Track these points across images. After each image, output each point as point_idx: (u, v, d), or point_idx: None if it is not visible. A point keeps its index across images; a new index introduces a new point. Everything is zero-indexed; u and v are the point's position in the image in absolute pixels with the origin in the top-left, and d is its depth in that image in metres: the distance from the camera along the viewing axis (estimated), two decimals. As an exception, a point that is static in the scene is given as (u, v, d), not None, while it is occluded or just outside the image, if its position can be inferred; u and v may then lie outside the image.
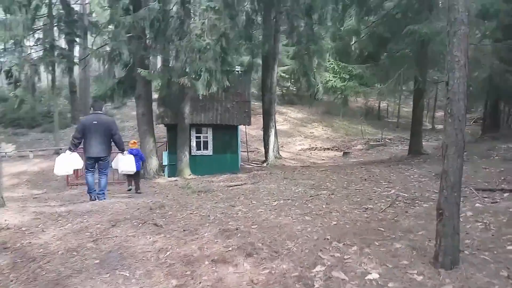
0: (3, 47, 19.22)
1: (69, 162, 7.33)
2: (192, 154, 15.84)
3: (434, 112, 24.74)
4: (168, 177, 15.64)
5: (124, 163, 8.17)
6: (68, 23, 20.63)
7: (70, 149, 7.24)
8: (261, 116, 18.06)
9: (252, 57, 14.72)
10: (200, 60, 11.59)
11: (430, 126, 25.24)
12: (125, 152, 7.95)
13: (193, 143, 16.09)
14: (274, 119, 16.88)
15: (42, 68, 19.90)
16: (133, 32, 13.17)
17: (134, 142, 10.82)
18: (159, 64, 15.75)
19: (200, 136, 16.21)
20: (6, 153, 21.55)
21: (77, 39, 22.09)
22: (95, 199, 7.43)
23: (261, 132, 22.24)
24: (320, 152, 20.49)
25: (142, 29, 13.47)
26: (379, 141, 20.79)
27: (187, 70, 11.89)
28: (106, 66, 13.73)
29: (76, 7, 22.49)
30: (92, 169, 7.46)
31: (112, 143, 7.47)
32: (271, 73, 16.39)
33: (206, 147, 16.26)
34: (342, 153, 19.52)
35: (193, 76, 11.54)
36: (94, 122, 7.15)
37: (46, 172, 18.22)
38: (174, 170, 15.68)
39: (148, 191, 9.90)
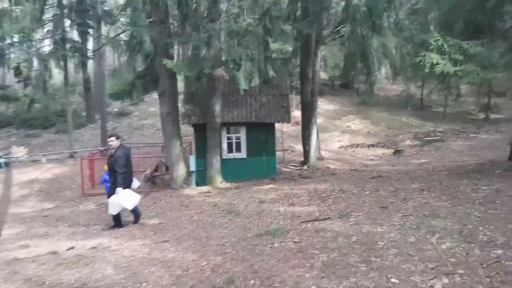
0: (10, 41, 17.34)
1: (125, 199, 7.28)
2: (223, 157, 13.70)
3: (489, 99, 21.90)
4: (197, 185, 13.57)
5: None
6: (80, 13, 18.59)
7: (122, 187, 7.12)
8: (293, 109, 15.80)
9: (296, 40, 12.21)
10: (239, 46, 9.31)
11: (483, 115, 22.50)
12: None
13: (224, 145, 13.93)
14: (315, 114, 14.55)
15: (53, 64, 17.94)
16: (155, 16, 11.01)
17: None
18: (185, 54, 13.47)
19: (232, 137, 14.04)
20: (17, 158, 19.83)
21: (90, 31, 20.05)
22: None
23: (294, 128, 20.05)
24: (364, 149, 18.12)
25: (166, 11, 11.30)
26: (434, 136, 18.27)
27: (223, 59, 9.64)
28: (124, 57, 11.57)
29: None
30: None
31: None
32: (313, 60, 14.02)
33: (238, 149, 14.10)
34: (392, 151, 17.08)
35: (232, 66, 9.29)
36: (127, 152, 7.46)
37: (60, 179, 16.39)
38: (202, 176, 13.60)
39: (176, 223, 7.69)
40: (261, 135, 14.07)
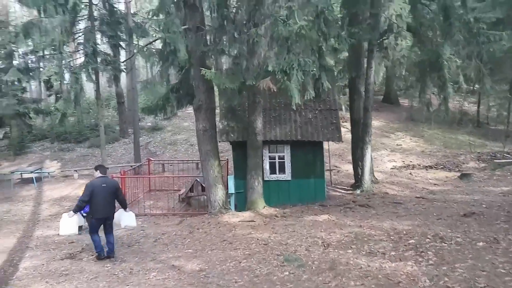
0: (41, 54, 16.73)
1: (72, 222, 9.07)
2: (265, 179, 12.16)
3: None
4: (235, 208, 12.10)
5: (127, 218, 8.96)
6: (111, 25, 17.78)
7: (74, 211, 7.86)
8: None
9: (351, 48, 10.54)
10: (289, 53, 7.80)
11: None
12: (127, 209, 8.50)
13: (266, 165, 12.40)
14: (369, 131, 12.77)
15: (84, 77, 17.16)
16: (190, 22, 9.77)
17: None
18: (224, 64, 12.14)
19: (275, 156, 12.49)
20: (49, 173, 19.14)
21: (122, 43, 19.25)
22: (106, 256, 7.66)
23: (337, 146, 18.27)
24: (421, 171, 16.03)
25: (201, 17, 10.04)
26: (504, 158, 15.94)
27: (269, 68, 8.17)
28: (156, 68, 10.36)
29: (120, 6, 19.66)
30: (97, 229, 7.73)
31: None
32: (367, 70, 12.32)
33: (282, 170, 12.53)
34: (456, 174, 14.91)
35: (281, 77, 7.78)
36: (103, 185, 7.60)
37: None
38: (241, 198, 12.12)
39: (221, 271, 6.13)
40: (308, 155, 12.46)
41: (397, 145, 20.06)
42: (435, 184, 13.83)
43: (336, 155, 18.58)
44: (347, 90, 22.99)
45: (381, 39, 10.89)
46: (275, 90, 8.19)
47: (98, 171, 7.90)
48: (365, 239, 6.43)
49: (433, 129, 22.20)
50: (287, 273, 5.39)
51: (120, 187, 8.30)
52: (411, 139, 20.76)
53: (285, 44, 7.99)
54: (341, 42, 8.39)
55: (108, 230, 7.76)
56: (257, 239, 7.46)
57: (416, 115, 23.97)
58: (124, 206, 8.25)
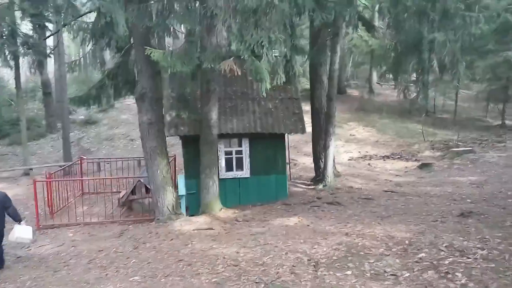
0: None
1: None
2: (221, 177, 10.74)
3: (505, 103, 19.85)
4: (188, 213, 10.55)
5: (21, 232, 7.62)
6: (35, 2, 15.08)
7: None
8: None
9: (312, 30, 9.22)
10: (257, 28, 6.38)
11: (497, 122, 20.43)
12: (22, 222, 7.67)
13: (222, 162, 10.95)
14: (333, 122, 11.79)
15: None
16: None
17: None
18: (171, 45, 10.41)
19: (231, 152, 11.07)
20: (-42, 177, 16.03)
21: (48, 24, 16.54)
22: None
23: (292, 137, 17.25)
24: (379, 162, 15.51)
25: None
26: (457, 146, 15.86)
27: (232, 47, 6.67)
28: (88, 48, 8.42)
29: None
30: None
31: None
32: (331, 56, 11.24)
33: (240, 167, 11.18)
34: (415, 164, 14.51)
35: (247, 57, 6.34)
36: None
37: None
38: (194, 200, 10.61)
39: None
40: (268, 149, 11.19)
41: (350, 135, 19.55)
42: (397, 175, 13.28)
43: (292, 147, 17.55)
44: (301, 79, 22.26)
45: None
46: (239, 73, 6.74)
47: None
48: (361, 253, 5.26)
49: (384, 118, 22.07)
50: None
51: (10, 198, 7.50)
52: (364, 129, 20.40)
53: (252, 17, 6.54)
54: (317, 17, 7.13)
55: None
56: (224, 257, 6.01)
57: (367, 105, 23.77)
58: (16, 219, 7.51)
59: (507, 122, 20.08)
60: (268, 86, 6.70)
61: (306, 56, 10.48)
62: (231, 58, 6.72)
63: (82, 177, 14.35)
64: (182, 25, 7.75)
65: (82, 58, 8.75)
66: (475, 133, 18.85)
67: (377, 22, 19.63)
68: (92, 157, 17.76)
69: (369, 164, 15.25)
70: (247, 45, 6.36)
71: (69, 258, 7.52)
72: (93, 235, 9.25)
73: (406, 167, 14.36)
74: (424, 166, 13.71)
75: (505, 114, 20.22)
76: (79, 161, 15.03)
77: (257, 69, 6.45)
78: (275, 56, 6.58)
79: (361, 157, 16.34)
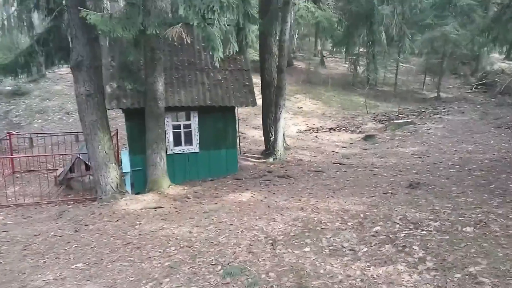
0: None
1: None
2: (168, 152, 10.28)
3: (440, 77, 20.93)
4: (134, 191, 10.03)
5: None
6: None
7: None
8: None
9: None
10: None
11: (433, 94, 21.57)
12: None
13: (170, 137, 10.45)
14: (284, 95, 11.64)
15: None
16: None
17: None
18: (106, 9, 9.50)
19: (179, 126, 10.57)
20: None
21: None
22: None
23: (241, 110, 16.99)
24: (326, 134, 15.74)
25: None
26: (398, 118, 16.50)
27: (180, 12, 6.11)
28: (14, 10, 7.36)
29: None
30: None
31: None
32: (282, 26, 10.92)
33: (189, 141, 10.75)
34: (359, 136, 14.90)
35: (197, 24, 5.85)
36: None
37: None
38: (139, 177, 10.11)
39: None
40: (218, 123, 10.83)
41: (298, 107, 19.65)
42: (343, 147, 13.58)
43: (240, 120, 17.29)
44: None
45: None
46: (188, 41, 6.23)
47: None
48: (318, 228, 5.21)
49: (329, 91, 22.42)
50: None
51: None
52: (311, 102, 20.59)
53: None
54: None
55: None
56: (176, 238, 5.70)
57: (313, 77, 23.94)
58: None
59: (441, 94, 21.29)
60: (221, 56, 6.28)
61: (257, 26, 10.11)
62: (179, 24, 6.18)
63: (12, 154, 13.05)
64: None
65: (5, 20, 7.64)
66: (414, 105, 19.80)
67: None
68: (23, 131, 16.23)
69: (316, 136, 15.45)
70: (197, 9, 5.85)
71: (1, 245, 6.79)
72: (28, 217, 8.45)
73: (351, 139, 14.74)
74: (368, 137, 14.15)
75: (440, 87, 21.41)
76: (7, 136, 13.62)
77: (210, 37, 5.99)
78: (227, 24, 6.13)
79: (309, 130, 16.51)
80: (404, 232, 4.62)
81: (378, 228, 4.91)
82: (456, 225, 4.62)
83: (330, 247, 4.60)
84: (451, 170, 8.03)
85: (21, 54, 9.78)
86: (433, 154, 10.43)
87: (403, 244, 4.35)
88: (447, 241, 4.25)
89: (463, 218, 4.82)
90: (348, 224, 5.26)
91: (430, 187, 6.62)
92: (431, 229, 4.57)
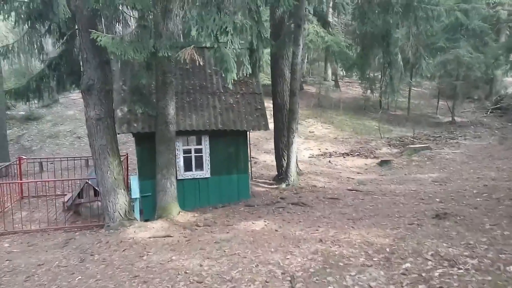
0: None
1: None
2: (179, 177, 9.99)
3: (454, 102, 20.54)
4: (143, 218, 9.71)
5: None
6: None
7: None
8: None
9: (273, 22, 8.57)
10: (220, 12, 5.71)
11: (447, 119, 21.14)
12: None
13: (180, 161, 10.18)
14: (297, 118, 11.38)
15: None
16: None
17: None
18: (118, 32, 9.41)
19: (190, 150, 10.32)
20: None
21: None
22: None
23: (253, 134, 16.75)
24: (339, 159, 15.37)
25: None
26: (413, 143, 16.10)
27: (192, 33, 5.95)
28: (24, 33, 7.29)
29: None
30: None
31: None
32: (294, 48, 10.78)
33: (200, 166, 10.46)
34: (374, 161, 14.50)
35: (207, 45, 5.67)
36: None
37: None
38: (148, 203, 9.79)
39: None
40: (230, 147, 10.57)
41: (310, 132, 19.38)
42: (358, 173, 13.17)
43: (252, 145, 17.04)
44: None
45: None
46: (201, 63, 6.04)
47: None
48: (340, 264, 4.77)
49: (341, 115, 22.16)
50: None
51: None
52: (322, 126, 20.32)
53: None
54: (285, 3, 6.54)
55: None
56: (185, 272, 5.31)
57: (324, 101, 23.78)
58: None
59: (456, 118, 20.85)
60: (235, 77, 6.07)
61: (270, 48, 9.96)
62: (191, 46, 6.00)
63: (21, 178, 12.89)
64: (133, 9, 6.83)
65: (15, 43, 7.58)
66: (428, 130, 19.38)
67: (331, 19, 19.61)
68: (34, 156, 16.18)
69: (329, 161, 15.07)
70: (209, 31, 5.67)
71: (2, 275, 6.46)
72: (33, 245, 8.16)
73: (366, 164, 14.33)
74: (383, 163, 13.73)
75: (455, 111, 21.00)
76: (17, 161, 13.50)
77: (223, 57, 5.79)
78: (241, 45, 5.95)
79: (322, 155, 16.16)
80: (438, 271, 4.17)
81: (408, 265, 4.47)
82: (497, 263, 4.17)
83: (356, 287, 4.18)
84: (478, 199, 7.55)
85: (32, 79, 9.75)
86: (455, 181, 9.96)
87: (440, 285, 3.90)
88: (490, 283, 3.80)
89: (503, 255, 4.36)
90: (374, 259, 4.82)
91: (459, 217, 6.16)
92: (469, 267, 4.13)
